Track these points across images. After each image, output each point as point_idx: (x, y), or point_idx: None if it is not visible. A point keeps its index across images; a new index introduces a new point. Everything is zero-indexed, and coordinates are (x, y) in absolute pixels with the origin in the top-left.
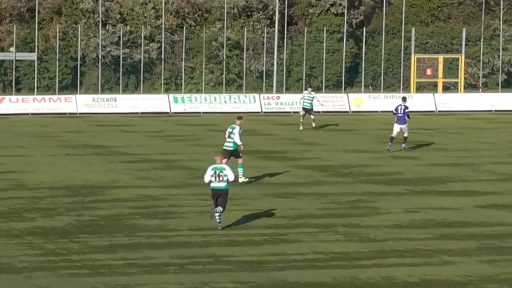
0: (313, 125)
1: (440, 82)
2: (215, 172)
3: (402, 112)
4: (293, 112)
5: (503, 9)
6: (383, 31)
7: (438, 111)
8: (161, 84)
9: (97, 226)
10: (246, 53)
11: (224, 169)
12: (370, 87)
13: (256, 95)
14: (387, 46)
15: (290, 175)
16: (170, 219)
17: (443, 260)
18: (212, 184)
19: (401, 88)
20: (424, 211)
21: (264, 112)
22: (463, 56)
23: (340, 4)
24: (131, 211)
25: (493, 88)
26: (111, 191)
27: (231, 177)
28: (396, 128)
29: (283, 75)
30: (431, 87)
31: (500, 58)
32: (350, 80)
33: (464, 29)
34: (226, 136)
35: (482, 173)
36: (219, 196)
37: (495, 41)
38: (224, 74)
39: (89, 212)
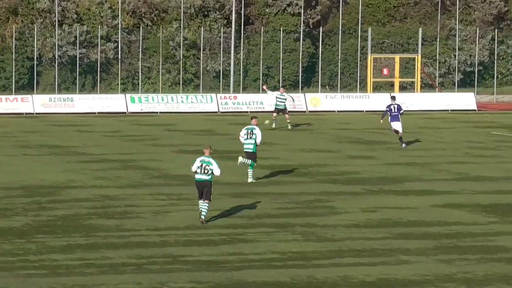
0: (289, 127)
1: (396, 81)
2: (201, 165)
3: (396, 110)
4: (250, 111)
5: (459, 9)
6: (340, 31)
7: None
8: (118, 84)
9: (55, 226)
10: (203, 53)
11: (211, 164)
12: (327, 86)
13: (213, 95)
14: (343, 46)
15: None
16: (128, 219)
17: (400, 260)
18: (196, 176)
19: (358, 88)
20: (381, 211)
21: (221, 112)
22: (420, 56)
23: (297, 4)
24: (89, 211)
25: (450, 87)
26: (68, 191)
27: (216, 172)
28: (394, 125)
29: (240, 74)
30: (388, 87)
31: (456, 58)
32: (307, 80)
33: (420, 29)
34: (244, 137)
35: (439, 172)
36: (204, 188)
37: (451, 41)
38: (181, 74)
39: (46, 212)
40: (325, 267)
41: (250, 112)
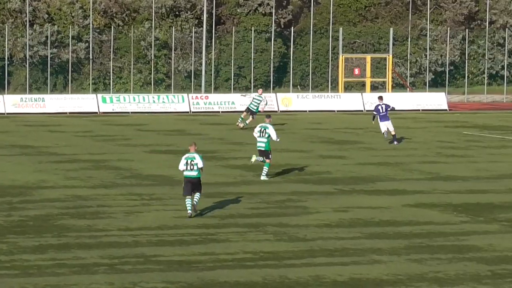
0: (240, 125)
1: (368, 81)
2: (187, 161)
3: (384, 110)
4: (222, 112)
5: (430, 9)
6: (311, 31)
7: (366, 110)
8: (89, 84)
9: (26, 227)
10: (174, 53)
11: (194, 158)
12: (298, 86)
13: (185, 95)
14: (315, 46)
15: (220, 175)
16: (99, 219)
17: (372, 259)
18: (185, 173)
19: (329, 87)
20: (353, 210)
21: (192, 112)
22: (391, 56)
23: (268, 4)
24: (60, 211)
25: (421, 87)
26: (40, 192)
27: (200, 164)
28: (383, 126)
29: (211, 74)
30: (359, 87)
31: (427, 58)
32: (278, 80)
33: (391, 29)
34: (257, 135)
35: (411, 172)
36: (193, 184)
37: (422, 41)
38: (152, 74)
39: (17, 212)
40: (297, 267)
41: (222, 112)
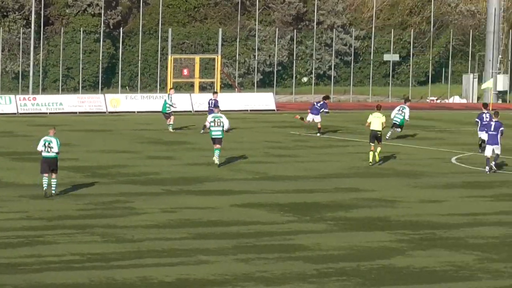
0: (170, 129)
1: (196, 82)
2: (45, 144)
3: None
4: (50, 113)
5: (258, 10)
6: (140, 32)
7: (195, 111)
8: None
9: None
10: (1, 54)
11: (51, 142)
12: (127, 87)
13: (12, 96)
14: (144, 47)
15: None
16: None
17: (200, 260)
18: (43, 154)
19: (158, 88)
20: (181, 211)
21: (20, 113)
22: (219, 56)
23: (97, 5)
24: None
25: (249, 87)
26: None
27: (55, 149)
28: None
29: (39, 75)
30: (188, 87)
31: (256, 58)
32: (107, 81)
33: (220, 29)
34: (212, 125)
35: (239, 172)
36: (50, 164)
37: (250, 41)
38: None
39: None
40: (124, 268)
41: (50, 113)
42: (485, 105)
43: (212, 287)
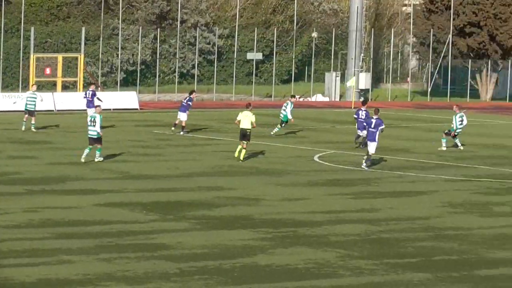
0: (32, 128)
1: (59, 81)
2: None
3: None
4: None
5: (122, 8)
6: (2, 30)
7: (57, 110)
8: None
9: None
10: None
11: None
12: None
13: None
14: (6, 46)
15: None
16: None
17: (62, 259)
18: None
19: (20, 87)
20: (43, 211)
21: None
22: (82, 55)
23: None
24: None
25: (112, 86)
26: None
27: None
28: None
29: None
30: (51, 86)
31: (119, 57)
32: None
33: (83, 28)
34: (89, 124)
35: (101, 171)
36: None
37: (114, 40)
38: None
39: None
40: None
41: None
42: (364, 103)
43: (74, 286)
